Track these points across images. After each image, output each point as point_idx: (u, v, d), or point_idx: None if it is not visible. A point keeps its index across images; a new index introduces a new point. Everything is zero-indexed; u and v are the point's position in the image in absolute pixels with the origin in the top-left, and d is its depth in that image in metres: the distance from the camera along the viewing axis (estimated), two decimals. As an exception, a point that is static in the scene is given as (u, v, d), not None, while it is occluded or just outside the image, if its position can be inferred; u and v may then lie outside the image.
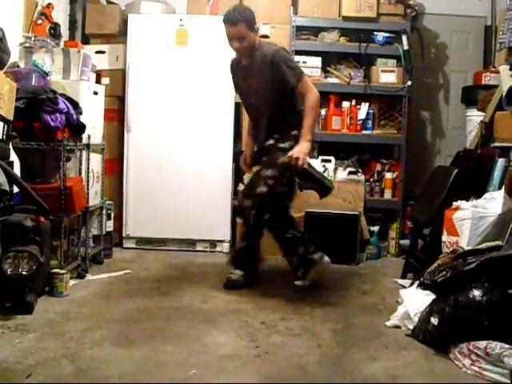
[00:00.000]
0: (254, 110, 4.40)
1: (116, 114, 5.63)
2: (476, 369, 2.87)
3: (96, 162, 4.92)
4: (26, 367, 2.76)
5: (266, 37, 5.32)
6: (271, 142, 4.29)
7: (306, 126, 4.15)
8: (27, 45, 4.63)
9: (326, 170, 5.66)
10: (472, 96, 5.53)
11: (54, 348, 3.01)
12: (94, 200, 4.88)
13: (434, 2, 6.27)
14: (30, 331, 3.22)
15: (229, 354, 3.07)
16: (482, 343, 2.86)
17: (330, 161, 5.72)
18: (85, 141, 4.61)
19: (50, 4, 4.88)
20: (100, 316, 3.57)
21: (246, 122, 4.98)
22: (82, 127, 4.47)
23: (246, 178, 4.86)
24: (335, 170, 5.74)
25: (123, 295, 4.06)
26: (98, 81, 5.35)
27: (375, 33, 5.71)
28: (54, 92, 4.15)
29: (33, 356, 2.89)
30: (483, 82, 5.47)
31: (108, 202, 5.18)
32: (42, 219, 3.82)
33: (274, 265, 4.90)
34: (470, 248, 3.65)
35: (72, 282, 4.17)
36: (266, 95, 4.22)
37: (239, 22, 4.09)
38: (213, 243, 5.57)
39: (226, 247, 5.55)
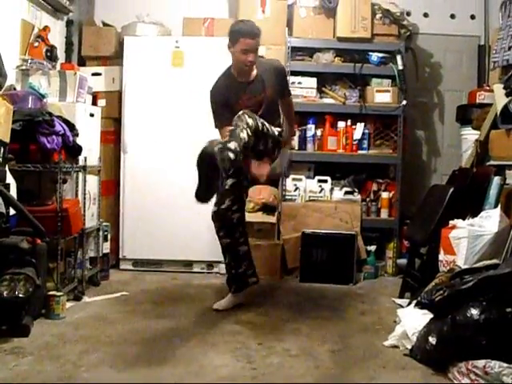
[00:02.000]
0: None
1: (112, 136, 5.64)
2: (475, 388, 2.86)
3: (92, 183, 4.92)
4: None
5: (262, 57, 5.35)
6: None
7: (290, 134, 4.33)
8: (24, 67, 4.64)
9: (322, 189, 5.68)
10: (467, 115, 5.55)
11: (50, 371, 2.99)
12: (91, 222, 4.87)
13: (427, 22, 6.32)
14: (27, 354, 3.20)
15: (226, 375, 3.06)
16: (481, 362, 2.85)
17: (326, 181, 5.73)
18: (81, 163, 4.61)
19: (46, 27, 4.91)
20: (97, 338, 3.55)
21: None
22: (78, 149, 4.48)
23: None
24: (331, 189, 5.74)
25: (120, 317, 4.04)
26: (94, 103, 5.36)
27: (370, 53, 5.74)
28: (51, 114, 4.16)
29: (29, 379, 2.88)
30: (477, 101, 5.49)
31: (105, 223, 5.17)
32: (39, 241, 3.81)
33: (269, 285, 4.90)
34: (467, 267, 3.65)
35: (69, 305, 4.15)
36: (272, 104, 4.29)
37: (258, 36, 4.11)
38: (210, 264, 5.56)
39: (223, 268, 5.53)
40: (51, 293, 3.94)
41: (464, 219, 4.11)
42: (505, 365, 2.79)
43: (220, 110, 4.26)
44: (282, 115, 4.53)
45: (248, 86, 4.27)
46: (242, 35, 4.09)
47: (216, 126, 4.32)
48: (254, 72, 4.26)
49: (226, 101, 4.25)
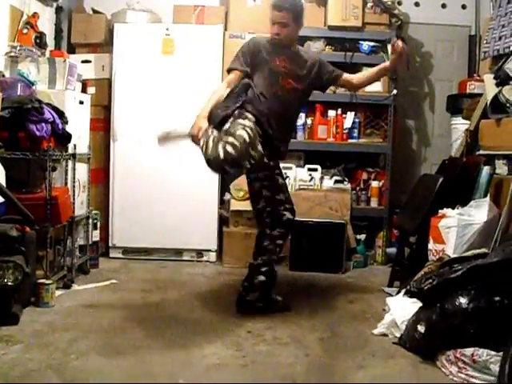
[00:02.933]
0: (276, 102, 4.03)
1: (102, 124, 5.62)
2: (463, 376, 2.88)
3: (82, 171, 4.90)
4: (12, 379, 2.74)
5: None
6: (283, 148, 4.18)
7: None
8: (12, 54, 4.61)
9: (312, 178, 5.68)
10: (457, 104, 5.57)
11: (39, 359, 2.99)
12: (80, 210, 4.86)
13: (418, 11, 6.32)
14: (16, 342, 3.20)
15: (215, 363, 3.06)
16: (469, 350, 2.87)
17: (316, 169, 5.73)
18: (71, 150, 4.59)
19: (35, 13, 4.87)
20: (86, 326, 3.55)
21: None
22: (67, 137, 4.46)
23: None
24: (321, 178, 5.74)
25: (109, 305, 4.04)
26: (83, 90, 5.33)
27: (361, 42, 5.73)
28: (40, 101, 4.13)
29: (18, 367, 2.87)
30: (468, 91, 5.50)
31: (94, 211, 5.16)
32: (28, 229, 3.79)
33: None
34: (456, 256, 3.67)
35: (58, 293, 4.14)
36: (300, 89, 4.12)
37: (286, 10, 3.99)
38: (199, 252, 5.56)
39: (212, 256, 5.54)
40: (40, 281, 3.93)
41: (453, 208, 4.13)
42: (492, 353, 2.80)
43: (242, 59, 4.07)
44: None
45: (288, 52, 4.10)
46: (272, 5, 4.04)
47: (227, 70, 4.17)
48: (296, 49, 4.17)
49: (258, 52, 4.06)
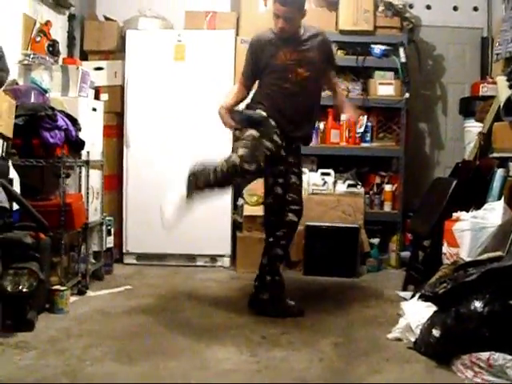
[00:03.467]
0: (291, 92, 4.04)
1: (115, 130, 5.64)
2: (479, 380, 2.85)
3: (95, 178, 4.92)
4: (27, 385, 2.76)
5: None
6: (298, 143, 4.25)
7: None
8: (26, 62, 4.65)
9: (325, 183, 5.67)
10: (470, 107, 5.55)
11: (54, 365, 3.00)
12: (94, 216, 4.88)
13: (430, 14, 6.31)
14: (31, 348, 3.21)
15: (230, 369, 3.06)
16: (485, 354, 2.85)
17: (329, 174, 5.73)
18: (84, 157, 4.61)
19: (48, 21, 4.90)
20: (101, 332, 3.56)
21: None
22: (81, 144, 4.48)
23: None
24: (335, 182, 5.73)
25: (124, 311, 4.05)
26: (96, 97, 5.36)
27: (372, 46, 5.73)
28: (53, 109, 4.16)
29: (34, 373, 2.88)
30: (481, 93, 5.49)
31: (108, 218, 5.18)
32: (42, 236, 3.81)
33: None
34: (470, 259, 3.65)
35: (72, 299, 4.16)
36: (320, 71, 4.12)
37: (290, 4, 3.95)
38: (213, 258, 5.57)
39: (226, 262, 5.55)
40: (55, 287, 3.94)
41: (467, 212, 4.10)
42: (509, 357, 2.78)
43: (249, 62, 4.13)
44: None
45: (293, 41, 4.05)
46: (275, 0, 3.99)
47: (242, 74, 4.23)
48: (301, 32, 4.09)
49: (262, 51, 4.07)
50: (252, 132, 3.83)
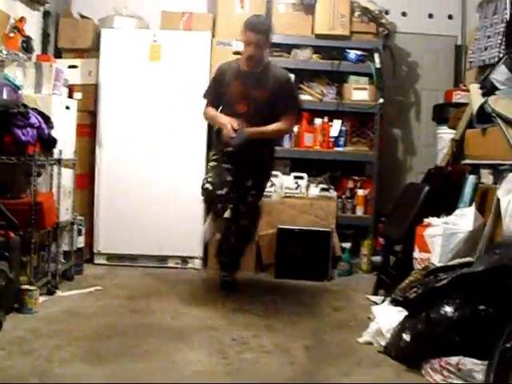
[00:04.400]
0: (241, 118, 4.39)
1: (88, 129, 5.58)
2: (448, 385, 2.88)
3: (67, 177, 4.87)
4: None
5: (239, 53, 5.34)
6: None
7: (263, 129, 4.37)
8: (-1, 58, 4.59)
9: (298, 186, 5.68)
10: (443, 114, 5.59)
11: (22, 366, 2.96)
12: (65, 215, 4.82)
13: (405, 21, 6.36)
14: (-2, 349, 3.17)
15: (200, 370, 3.05)
16: (454, 359, 2.88)
17: (302, 177, 5.73)
18: (56, 156, 4.56)
19: (22, 17, 4.84)
20: (70, 333, 3.52)
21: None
22: (53, 142, 4.43)
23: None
24: (307, 186, 5.74)
25: (93, 312, 4.01)
26: (70, 95, 5.31)
27: (348, 50, 5.76)
28: (26, 106, 4.11)
29: (0, 374, 2.84)
30: (454, 100, 5.53)
31: (79, 217, 5.13)
32: (12, 235, 3.76)
33: (244, 281, 4.90)
34: (441, 264, 3.68)
35: (42, 299, 4.11)
36: (261, 108, 4.35)
37: (262, 33, 4.24)
38: (184, 259, 5.54)
39: (197, 263, 5.52)
40: (24, 287, 3.89)
41: (439, 217, 4.14)
42: (477, 361, 2.81)
43: (212, 85, 4.60)
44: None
45: (248, 76, 4.37)
46: (246, 27, 4.27)
47: (204, 95, 4.62)
48: (260, 69, 4.39)
49: (221, 79, 4.48)
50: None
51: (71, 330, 3.59)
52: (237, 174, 4.39)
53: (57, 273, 4.56)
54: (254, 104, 4.36)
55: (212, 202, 4.42)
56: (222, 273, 4.82)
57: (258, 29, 4.23)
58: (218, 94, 4.52)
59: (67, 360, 3.09)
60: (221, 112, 4.52)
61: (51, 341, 3.35)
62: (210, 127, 5.20)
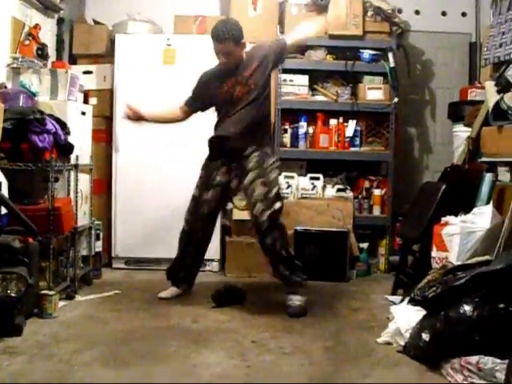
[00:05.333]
0: (230, 115, 4.41)
1: (104, 135, 5.62)
2: (468, 384, 2.86)
3: (84, 182, 4.90)
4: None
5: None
6: (253, 155, 4.34)
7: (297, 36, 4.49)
8: (14, 65, 4.62)
9: (314, 187, 5.68)
10: (458, 112, 5.56)
11: (43, 370, 2.98)
12: (83, 220, 4.85)
13: (419, 19, 6.34)
14: (19, 354, 3.19)
15: (220, 373, 3.05)
16: (474, 358, 2.86)
17: (318, 178, 5.73)
18: (73, 161, 4.60)
19: (37, 25, 4.89)
20: (89, 337, 3.54)
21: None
22: (70, 148, 4.46)
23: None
24: (324, 187, 5.74)
25: (113, 316, 4.03)
26: (85, 101, 5.35)
27: (361, 50, 5.75)
28: (42, 113, 4.14)
29: (22, 379, 2.86)
30: (469, 98, 5.50)
31: (96, 222, 5.16)
32: (31, 240, 3.80)
33: (262, 283, 4.90)
34: (459, 263, 3.66)
35: (61, 304, 4.14)
36: (250, 97, 4.30)
37: (226, 40, 4.18)
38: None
39: (215, 266, 5.53)
40: (43, 292, 3.92)
41: (456, 216, 4.12)
42: (498, 360, 2.79)
43: (195, 91, 4.60)
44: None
45: (232, 72, 4.33)
46: (212, 37, 4.25)
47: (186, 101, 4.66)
48: (243, 59, 4.35)
49: (205, 86, 4.51)
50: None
51: (91, 334, 3.61)
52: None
53: (75, 277, 4.59)
54: (255, 89, 4.31)
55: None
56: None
57: (221, 38, 4.17)
58: (198, 96, 4.56)
59: (87, 364, 3.10)
60: (217, 115, 4.54)
61: (71, 345, 3.37)
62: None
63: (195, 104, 4.61)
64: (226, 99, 4.36)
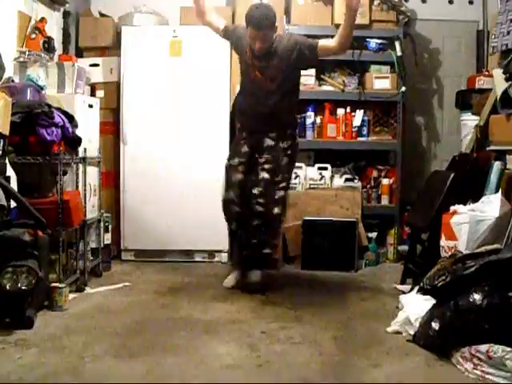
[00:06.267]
0: (255, 96, 4.44)
1: (111, 127, 5.63)
2: (478, 373, 2.86)
3: (93, 174, 4.91)
4: (28, 383, 2.75)
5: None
6: (270, 142, 4.40)
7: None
8: (21, 59, 4.62)
9: (322, 177, 5.67)
10: (466, 100, 5.54)
11: (54, 363, 3.00)
12: (92, 213, 4.87)
13: (425, 7, 6.31)
14: (31, 346, 3.21)
15: (230, 364, 3.06)
16: (484, 347, 2.86)
17: (326, 168, 5.73)
18: (81, 154, 4.60)
19: (43, 18, 4.89)
20: (100, 329, 3.56)
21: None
22: (77, 140, 4.47)
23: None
24: (332, 177, 5.74)
25: (123, 308, 4.05)
26: (92, 94, 5.36)
27: (368, 39, 5.72)
28: (50, 106, 4.14)
29: (34, 371, 2.88)
30: (477, 86, 5.47)
31: (105, 214, 5.17)
32: (40, 233, 3.81)
33: (271, 273, 4.91)
34: (468, 252, 3.65)
35: (71, 296, 4.16)
36: (276, 84, 4.33)
37: (266, 28, 4.17)
38: (211, 253, 5.57)
39: (224, 257, 5.55)
40: (54, 284, 3.94)
41: (465, 205, 4.11)
42: (508, 349, 2.79)
43: (235, 30, 4.55)
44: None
45: (263, 58, 4.33)
46: (249, 24, 4.20)
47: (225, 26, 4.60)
48: (273, 44, 4.33)
49: (240, 37, 4.46)
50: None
51: (101, 326, 3.63)
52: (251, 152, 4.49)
53: (85, 270, 4.61)
54: (276, 80, 4.33)
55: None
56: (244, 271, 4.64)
57: (262, 24, 4.15)
58: (233, 34, 4.53)
59: (99, 356, 3.12)
60: (241, 76, 4.61)
61: (82, 337, 3.39)
62: (233, 121, 5.21)
63: (229, 37, 4.60)
64: (255, 80, 4.40)
